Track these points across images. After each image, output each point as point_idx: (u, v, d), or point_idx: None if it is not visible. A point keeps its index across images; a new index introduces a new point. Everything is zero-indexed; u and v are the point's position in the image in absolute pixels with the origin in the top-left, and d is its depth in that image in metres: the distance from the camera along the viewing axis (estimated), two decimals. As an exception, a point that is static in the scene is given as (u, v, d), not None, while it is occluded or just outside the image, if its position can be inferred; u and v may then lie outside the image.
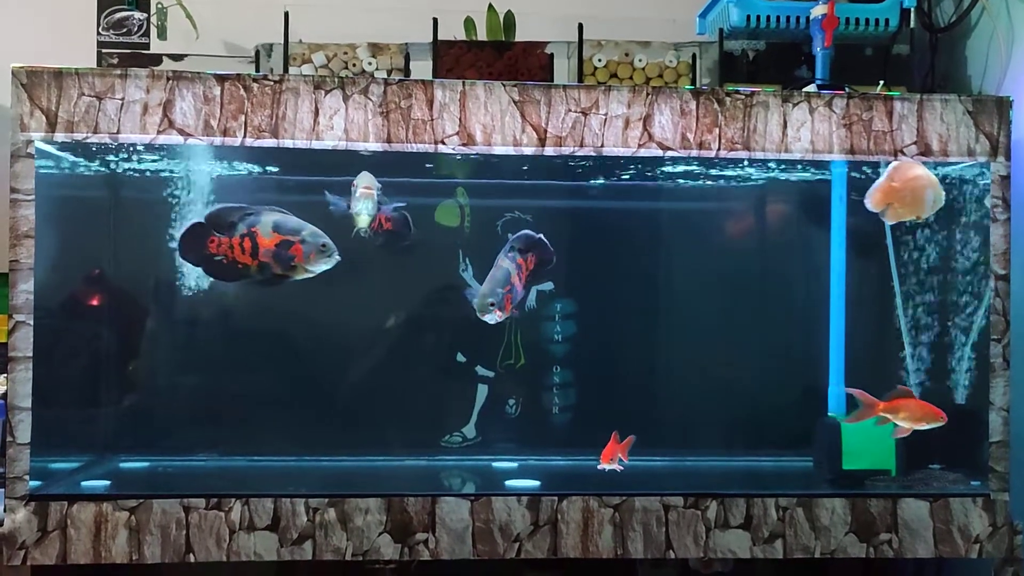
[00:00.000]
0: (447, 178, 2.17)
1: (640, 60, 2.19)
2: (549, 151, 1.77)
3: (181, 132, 1.72)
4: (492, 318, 1.87)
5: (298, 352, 2.21)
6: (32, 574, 1.76)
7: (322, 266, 1.80)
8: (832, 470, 1.92)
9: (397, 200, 1.95)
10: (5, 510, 1.69)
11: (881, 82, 2.04)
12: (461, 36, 2.22)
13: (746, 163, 1.95)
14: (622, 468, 1.80)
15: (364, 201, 1.84)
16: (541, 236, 1.96)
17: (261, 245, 1.76)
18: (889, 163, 1.88)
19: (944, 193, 1.82)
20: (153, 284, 2.15)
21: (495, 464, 2.13)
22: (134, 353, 2.17)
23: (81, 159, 1.95)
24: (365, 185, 1.84)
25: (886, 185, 1.79)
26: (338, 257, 1.81)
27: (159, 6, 2.19)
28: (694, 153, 1.79)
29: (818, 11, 2.04)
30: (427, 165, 1.99)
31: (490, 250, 2.16)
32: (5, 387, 1.74)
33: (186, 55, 2.17)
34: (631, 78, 2.20)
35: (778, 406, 2.17)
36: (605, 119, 1.78)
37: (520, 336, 2.22)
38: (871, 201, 1.81)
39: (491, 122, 1.76)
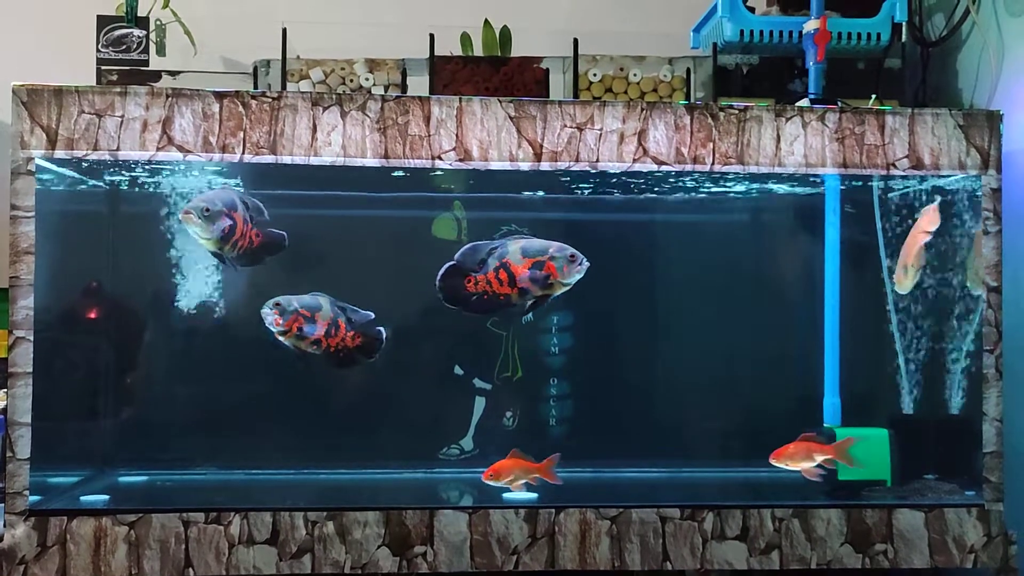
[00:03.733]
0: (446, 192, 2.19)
1: (635, 75, 2.21)
2: (545, 166, 1.79)
3: (180, 149, 1.73)
4: (268, 317, 1.87)
5: (296, 365, 2.22)
6: (32, 589, 1.76)
7: (575, 276, 1.83)
8: (828, 481, 1.93)
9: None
10: (5, 525, 1.70)
11: (873, 96, 2.06)
12: (458, 52, 2.24)
13: (739, 176, 1.96)
14: (526, 490, 1.79)
15: (189, 227, 1.79)
16: (380, 330, 1.96)
17: (516, 273, 1.81)
18: (882, 176, 1.90)
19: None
20: (151, 298, 2.17)
21: (493, 476, 2.13)
22: (132, 367, 2.18)
23: (80, 175, 1.97)
24: (186, 210, 1.78)
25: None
26: (587, 263, 1.83)
27: (158, 23, 2.20)
28: (688, 167, 1.81)
29: (810, 26, 2.06)
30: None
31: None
32: (5, 402, 1.74)
33: (184, 71, 2.18)
34: (626, 92, 2.22)
35: (774, 417, 2.18)
36: (600, 134, 1.80)
37: (517, 349, 2.24)
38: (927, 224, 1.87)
39: (487, 138, 1.78)
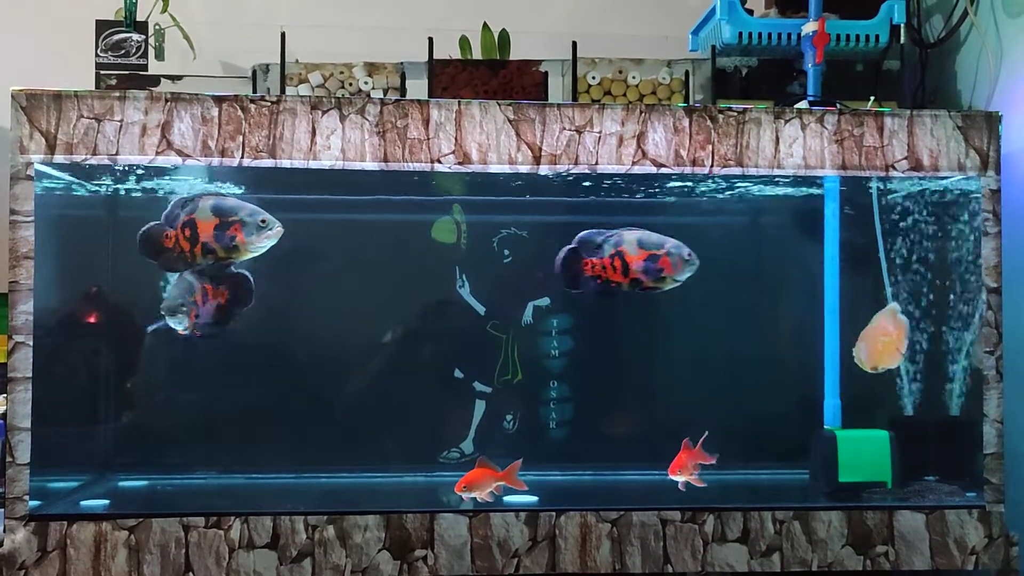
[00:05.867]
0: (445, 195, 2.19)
1: (634, 77, 2.21)
2: (544, 169, 1.79)
3: (179, 153, 1.73)
4: (182, 321, 1.85)
5: (295, 368, 2.22)
6: (32, 594, 1.76)
7: (686, 274, 1.86)
8: (828, 483, 1.93)
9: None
10: (5, 530, 1.70)
11: (872, 98, 2.06)
12: (457, 55, 2.24)
13: (740, 179, 1.97)
14: (491, 499, 1.78)
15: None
16: (245, 273, 1.91)
17: (630, 263, 1.83)
18: (882, 178, 1.90)
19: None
20: (151, 303, 2.16)
21: (493, 480, 2.13)
22: (132, 372, 2.18)
23: (80, 180, 1.97)
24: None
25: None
26: (698, 263, 1.85)
27: (157, 27, 2.20)
28: (687, 170, 1.81)
29: (809, 28, 2.06)
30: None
31: (487, 266, 2.19)
32: (4, 407, 1.74)
33: (183, 76, 2.18)
34: (625, 95, 2.22)
35: (774, 419, 2.18)
36: (599, 137, 1.80)
37: (517, 351, 2.23)
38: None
39: (486, 141, 1.78)
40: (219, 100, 1.74)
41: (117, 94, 1.73)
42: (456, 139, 1.78)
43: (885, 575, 1.86)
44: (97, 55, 2.15)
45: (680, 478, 1.80)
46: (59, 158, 1.71)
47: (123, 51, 2.15)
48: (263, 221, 1.77)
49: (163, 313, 1.87)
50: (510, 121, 1.79)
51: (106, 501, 1.90)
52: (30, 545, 1.69)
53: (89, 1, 2.19)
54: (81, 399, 2.12)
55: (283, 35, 2.14)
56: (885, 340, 1.90)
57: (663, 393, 2.30)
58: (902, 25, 2.20)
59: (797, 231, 2.25)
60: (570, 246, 1.89)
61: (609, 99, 2.21)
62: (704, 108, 1.83)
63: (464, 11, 2.34)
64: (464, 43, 2.25)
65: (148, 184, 2.01)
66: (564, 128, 1.79)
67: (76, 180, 1.95)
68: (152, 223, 1.82)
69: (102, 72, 2.14)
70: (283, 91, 2.15)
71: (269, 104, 1.75)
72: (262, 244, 1.79)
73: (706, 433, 1.81)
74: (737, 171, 1.82)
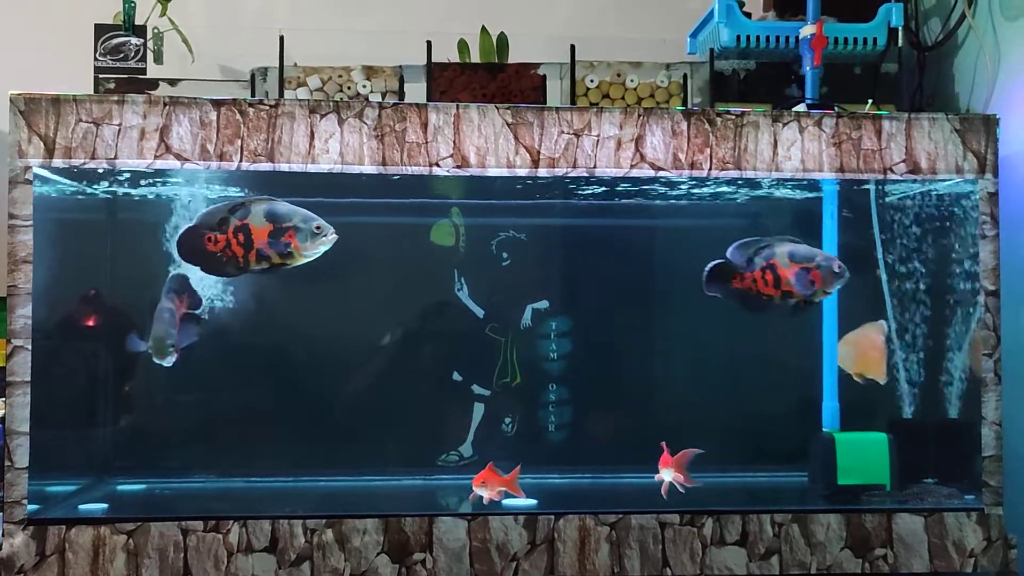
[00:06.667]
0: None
1: (632, 80, 2.21)
2: (542, 172, 1.79)
3: (178, 157, 1.73)
4: (171, 360, 1.88)
5: (295, 371, 2.22)
6: (30, 598, 1.76)
7: (836, 286, 1.85)
8: (827, 485, 1.93)
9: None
10: (3, 534, 1.70)
11: (870, 101, 2.06)
12: (455, 58, 2.24)
13: (737, 181, 1.97)
14: (498, 499, 1.80)
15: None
16: (183, 274, 1.92)
17: (782, 276, 1.81)
18: (879, 181, 1.91)
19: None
20: (149, 305, 2.17)
21: (492, 483, 2.13)
22: (130, 376, 2.18)
23: (78, 184, 1.97)
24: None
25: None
26: (848, 275, 1.84)
27: (155, 31, 2.20)
28: (686, 173, 1.81)
29: (807, 31, 2.06)
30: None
31: (487, 268, 2.19)
32: (3, 411, 1.74)
33: (182, 79, 2.18)
34: (623, 98, 2.22)
35: (773, 421, 2.18)
36: (598, 140, 1.80)
37: (516, 354, 2.24)
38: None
39: (485, 144, 1.78)
40: (217, 104, 1.75)
41: (115, 98, 1.73)
42: (454, 143, 1.78)
43: (884, 578, 1.86)
44: (96, 59, 2.15)
45: (666, 477, 1.80)
46: (58, 162, 1.71)
47: (122, 55, 2.15)
48: (318, 228, 1.75)
49: (151, 354, 1.88)
50: (508, 124, 1.79)
51: (104, 505, 1.90)
52: (28, 549, 1.69)
53: (88, 5, 2.19)
54: (80, 403, 2.12)
55: (281, 38, 2.15)
56: (874, 355, 1.91)
57: (662, 396, 2.30)
58: (900, 28, 2.20)
59: (796, 232, 2.26)
60: (719, 260, 1.87)
61: (607, 102, 2.21)
62: (702, 111, 1.83)
63: (462, 14, 2.34)
64: (462, 46, 2.25)
65: (146, 186, 2.01)
66: (562, 131, 1.80)
67: (74, 183, 1.96)
68: (190, 226, 1.79)
69: (101, 76, 2.14)
70: (281, 95, 2.16)
71: (267, 108, 1.75)
72: (316, 250, 1.76)
73: (690, 451, 1.82)
74: (735, 174, 1.82)
